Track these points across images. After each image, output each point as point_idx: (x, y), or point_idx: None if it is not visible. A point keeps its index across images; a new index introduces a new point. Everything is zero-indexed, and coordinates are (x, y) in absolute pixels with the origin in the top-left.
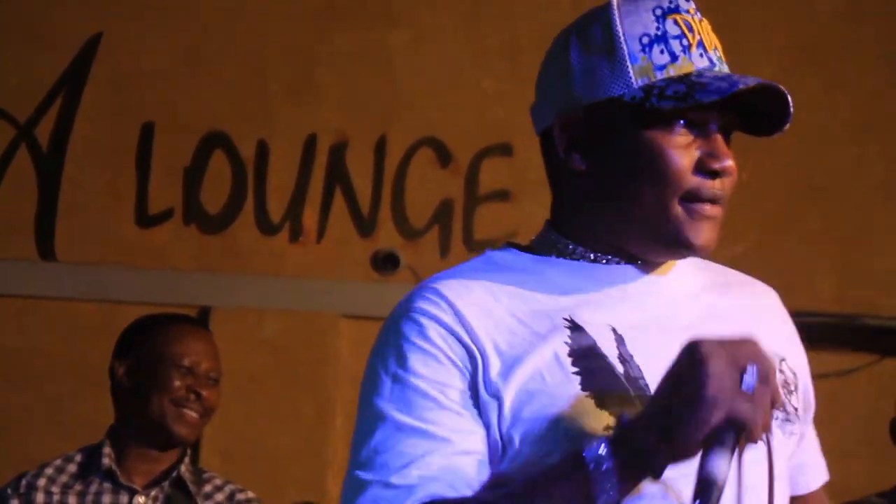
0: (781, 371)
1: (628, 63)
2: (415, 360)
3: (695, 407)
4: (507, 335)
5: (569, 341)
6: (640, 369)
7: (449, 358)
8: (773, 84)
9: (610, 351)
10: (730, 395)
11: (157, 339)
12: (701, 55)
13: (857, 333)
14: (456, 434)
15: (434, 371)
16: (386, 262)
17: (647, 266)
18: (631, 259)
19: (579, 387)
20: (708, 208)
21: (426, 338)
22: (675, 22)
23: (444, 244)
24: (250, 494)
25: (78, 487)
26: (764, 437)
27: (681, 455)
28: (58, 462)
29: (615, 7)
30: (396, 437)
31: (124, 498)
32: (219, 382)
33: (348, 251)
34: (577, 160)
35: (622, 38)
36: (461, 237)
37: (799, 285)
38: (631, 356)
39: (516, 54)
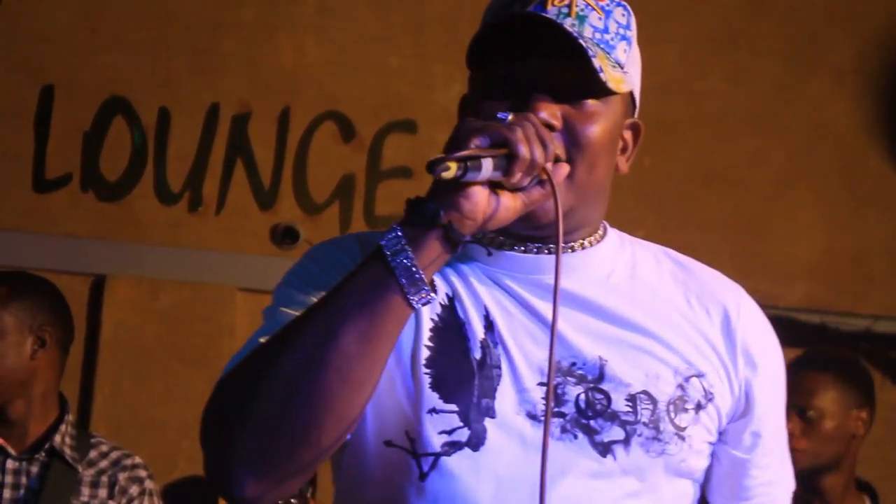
0: (682, 387)
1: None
2: (299, 277)
3: (453, 135)
4: None
5: (436, 317)
6: (500, 358)
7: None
8: (551, 24)
9: (476, 334)
10: (482, 125)
11: None
12: (532, 9)
13: None
14: None
15: (310, 284)
16: (285, 236)
17: (566, 254)
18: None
19: (423, 362)
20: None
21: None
22: None
23: (344, 220)
24: (137, 460)
25: None
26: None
27: (443, 194)
28: None
29: None
30: (270, 326)
31: None
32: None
33: (247, 223)
34: None
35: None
36: (362, 213)
37: None
38: (496, 343)
39: (422, 31)
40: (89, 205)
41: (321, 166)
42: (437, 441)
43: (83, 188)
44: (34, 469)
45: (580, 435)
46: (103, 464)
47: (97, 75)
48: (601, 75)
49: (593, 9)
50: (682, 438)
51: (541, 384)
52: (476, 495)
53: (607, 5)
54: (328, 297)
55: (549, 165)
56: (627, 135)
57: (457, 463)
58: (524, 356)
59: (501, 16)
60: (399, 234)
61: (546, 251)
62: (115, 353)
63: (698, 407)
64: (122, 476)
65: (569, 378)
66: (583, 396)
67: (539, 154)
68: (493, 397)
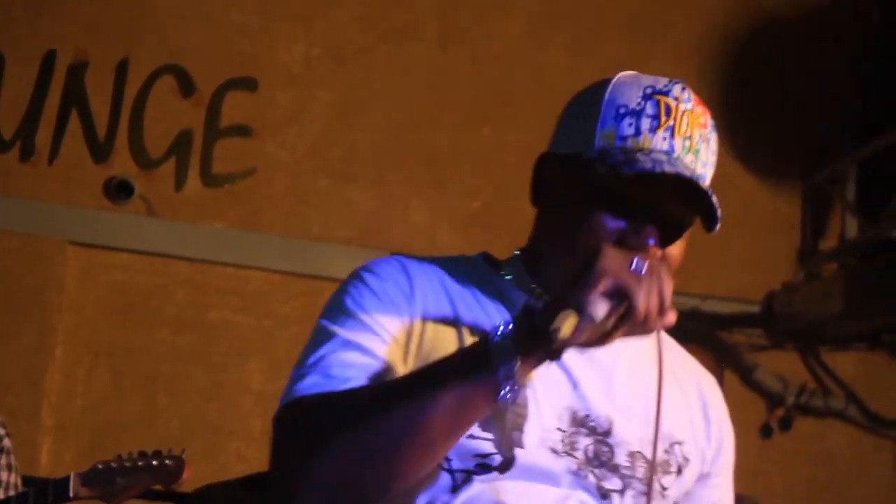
0: (668, 452)
1: (597, 126)
2: (367, 300)
3: (587, 277)
4: (443, 312)
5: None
6: (527, 399)
7: (395, 305)
8: (692, 181)
9: None
10: (618, 269)
11: None
12: (665, 138)
13: None
14: (377, 359)
15: (378, 310)
16: (119, 191)
17: None
18: None
19: None
20: None
21: (382, 285)
22: (657, 103)
23: (180, 176)
24: None
25: None
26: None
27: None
28: None
29: (615, 79)
30: (340, 349)
31: None
32: None
33: (80, 176)
34: (537, 198)
35: (602, 104)
36: (198, 170)
37: None
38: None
39: None
40: None
41: (158, 120)
42: (471, 462)
43: None
44: None
45: (590, 476)
46: None
47: None
48: (717, 225)
49: (703, 140)
50: (664, 497)
51: (558, 429)
52: None
53: (709, 133)
54: (425, 375)
55: (660, 323)
56: None
57: (486, 481)
58: (548, 401)
59: (656, 159)
60: (507, 337)
61: None
62: None
63: (678, 470)
64: None
65: (581, 428)
66: (591, 447)
67: (653, 317)
68: (522, 431)
